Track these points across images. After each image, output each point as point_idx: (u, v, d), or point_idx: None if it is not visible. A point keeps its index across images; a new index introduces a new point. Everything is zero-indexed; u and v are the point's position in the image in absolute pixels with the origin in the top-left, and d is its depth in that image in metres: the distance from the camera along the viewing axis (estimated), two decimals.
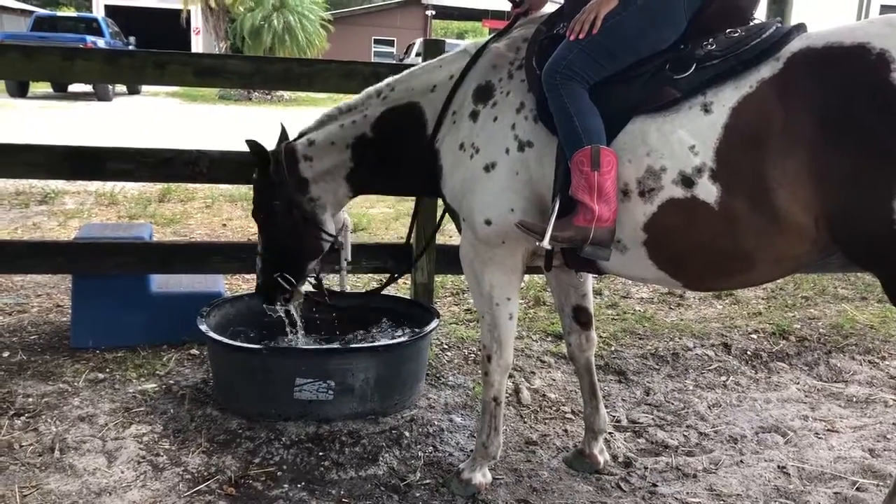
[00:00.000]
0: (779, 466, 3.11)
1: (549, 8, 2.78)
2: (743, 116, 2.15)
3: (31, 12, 29.38)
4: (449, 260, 4.04)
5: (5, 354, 3.81)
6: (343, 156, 2.94)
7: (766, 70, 2.16)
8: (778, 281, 5.29)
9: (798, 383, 3.96)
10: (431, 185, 2.78)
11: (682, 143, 2.20)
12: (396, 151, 2.88)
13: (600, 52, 2.31)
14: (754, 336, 4.53)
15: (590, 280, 2.99)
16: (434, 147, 2.72)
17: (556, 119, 2.32)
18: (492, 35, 2.80)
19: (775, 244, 2.18)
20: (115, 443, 3.06)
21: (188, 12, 31.52)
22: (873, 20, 2.17)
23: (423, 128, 2.78)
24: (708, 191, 2.18)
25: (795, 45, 2.17)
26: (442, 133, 2.70)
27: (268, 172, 2.98)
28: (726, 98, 2.18)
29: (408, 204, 7.74)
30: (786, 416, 3.56)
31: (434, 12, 40.42)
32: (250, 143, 2.97)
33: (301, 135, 3.03)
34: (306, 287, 3.25)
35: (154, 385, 3.57)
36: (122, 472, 2.86)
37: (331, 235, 3.10)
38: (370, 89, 2.93)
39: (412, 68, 2.93)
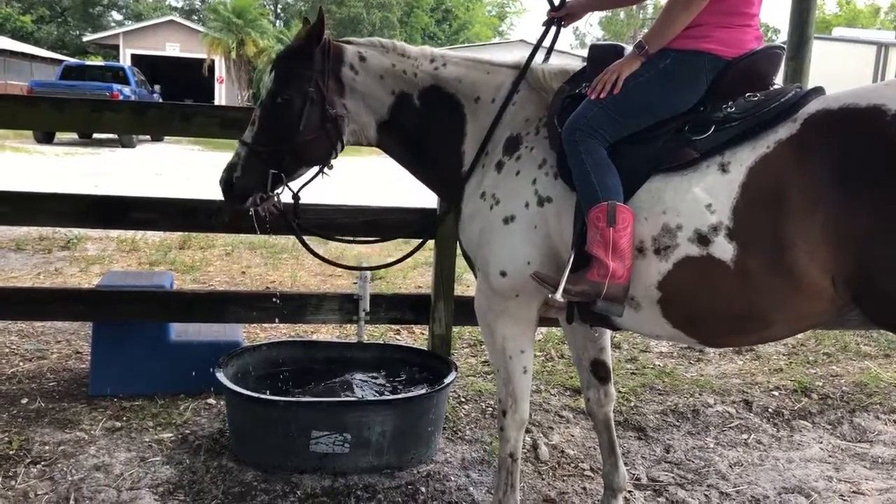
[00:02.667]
0: None
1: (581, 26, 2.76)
2: (760, 176, 2.16)
3: (61, 61, 30.15)
4: (467, 311, 4.02)
5: (24, 401, 3.83)
6: (385, 99, 2.76)
7: (784, 131, 2.18)
8: (799, 337, 5.24)
9: (821, 442, 3.89)
10: (443, 191, 2.85)
11: (698, 201, 2.22)
12: (430, 142, 2.80)
13: (620, 112, 2.34)
14: (776, 393, 4.47)
15: (607, 334, 2.97)
16: (461, 176, 2.72)
17: (574, 175, 2.35)
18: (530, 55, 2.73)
19: (792, 303, 2.17)
20: (131, 493, 3.04)
21: (212, 62, 32.28)
22: (889, 82, 2.20)
23: (461, 139, 2.75)
24: (724, 249, 2.18)
25: (812, 106, 2.19)
26: (472, 168, 2.70)
27: (312, 55, 2.67)
28: (743, 158, 2.20)
29: (426, 253, 7.75)
30: (809, 477, 3.49)
31: None
32: (320, 14, 2.67)
33: (348, 42, 2.81)
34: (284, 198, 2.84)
35: (170, 434, 3.56)
36: None
37: (342, 146, 2.80)
38: (424, 48, 2.83)
39: (458, 55, 2.84)
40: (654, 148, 2.32)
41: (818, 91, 2.26)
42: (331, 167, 2.86)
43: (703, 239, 2.20)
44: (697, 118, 2.30)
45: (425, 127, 2.78)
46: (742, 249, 2.16)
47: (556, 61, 2.86)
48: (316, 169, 2.84)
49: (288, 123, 2.68)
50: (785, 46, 2.42)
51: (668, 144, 2.30)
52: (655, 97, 2.34)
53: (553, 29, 2.80)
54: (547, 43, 2.80)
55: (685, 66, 2.33)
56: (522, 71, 2.68)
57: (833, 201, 2.04)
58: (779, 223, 2.10)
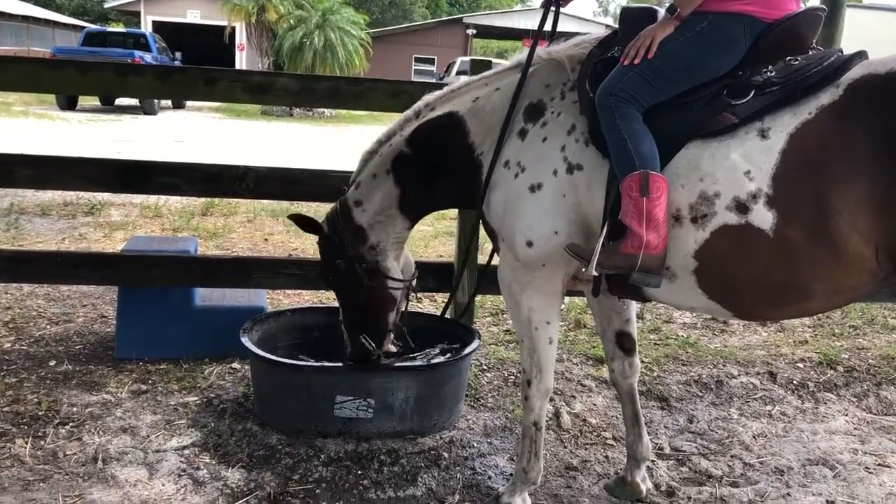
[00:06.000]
0: (827, 501, 3.03)
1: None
2: (801, 143, 2.10)
3: (83, 27, 30.16)
4: (489, 280, 4.01)
5: (52, 363, 3.87)
6: (387, 185, 2.92)
7: (826, 97, 2.11)
8: None
9: (847, 415, 3.86)
10: (475, 195, 2.75)
11: (737, 168, 2.16)
12: (436, 160, 2.83)
13: (656, 77, 2.28)
14: (801, 365, 4.43)
15: (633, 305, 2.94)
16: (477, 159, 2.70)
17: (609, 142, 2.29)
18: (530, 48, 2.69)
19: (832, 274, 2.12)
20: (157, 455, 3.08)
21: (233, 29, 32.13)
22: None
23: (465, 136, 2.74)
24: (763, 218, 2.13)
25: (857, 71, 2.12)
26: (486, 146, 2.67)
27: (327, 236, 3.05)
28: (784, 124, 2.14)
29: (447, 222, 7.74)
30: (834, 449, 3.46)
31: (475, 31, 40.62)
32: (293, 217, 3.08)
33: (351, 182, 3.05)
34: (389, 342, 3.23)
35: (195, 398, 3.59)
36: (163, 485, 2.88)
37: (400, 281, 3.10)
38: (408, 111, 2.91)
39: (452, 85, 2.87)
40: (691, 113, 2.26)
41: (861, 55, 2.19)
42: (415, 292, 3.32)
43: (741, 207, 2.15)
44: (736, 82, 2.24)
45: (424, 157, 2.85)
46: (782, 218, 2.10)
47: (577, 28, 2.80)
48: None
49: (343, 296, 3.14)
50: (825, 8, 2.34)
51: (706, 109, 2.24)
52: (692, 60, 2.28)
53: (552, 10, 2.72)
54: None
55: (723, 28, 2.26)
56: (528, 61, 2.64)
57: (878, 169, 1.98)
58: (820, 191, 2.04)
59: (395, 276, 3.07)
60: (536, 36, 2.68)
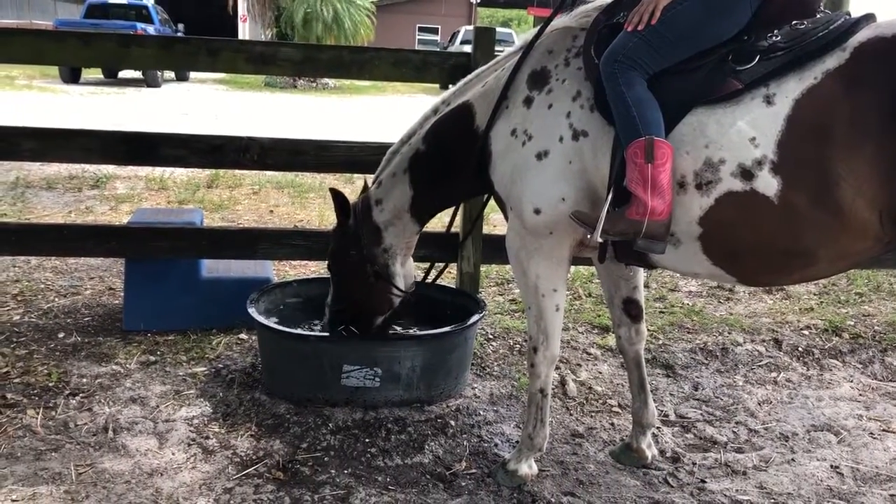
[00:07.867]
0: (832, 466, 3.05)
1: None
2: (806, 108, 2.08)
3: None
4: (495, 249, 4.03)
5: (61, 335, 3.91)
6: (403, 185, 2.98)
7: (832, 61, 2.09)
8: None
9: (852, 381, 3.87)
10: (485, 177, 2.76)
11: (742, 134, 2.15)
12: (448, 153, 2.87)
13: (660, 42, 2.26)
14: (806, 332, 4.43)
15: (640, 272, 2.95)
16: (485, 133, 2.70)
17: (614, 108, 2.29)
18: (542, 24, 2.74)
19: (837, 240, 2.12)
20: (166, 425, 3.11)
21: (235, 0, 31.83)
22: None
23: (472, 119, 2.77)
24: (768, 184, 2.12)
25: (863, 34, 2.09)
26: (493, 119, 2.68)
27: (347, 223, 3.09)
28: (789, 90, 2.12)
29: None
30: (839, 415, 3.48)
31: (479, 0, 40.20)
32: (334, 191, 3.07)
33: (374, 180, 3.11)
34: None
35: (204, 368, 3.62)
36: (173, 454, 2.91)
37: (401, 291, 3.17)
38: (427, 110, 2.97)
39: (466, 77, 2.91)
40: (696, 79, 2.24)
41: (869, 18, 2.16)
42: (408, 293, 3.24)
43: (746, 173, 2.14)
44: (741, 48, 2.21)
45: (438, 151, 2.90)
46: (787, 184, 2.09)
47: None
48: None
49: (341, 286, 3.19)
50: None
51: (711, 75, 2.22)
52: (697, 26, 2.25)
53: None
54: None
55: None
56: (537, 35, 2.64)
57: (884, 134, 1.97)
58: (826, 157, 2.03)
59: (398, 285, 3.17)
60: (556, 10, 2.69)
